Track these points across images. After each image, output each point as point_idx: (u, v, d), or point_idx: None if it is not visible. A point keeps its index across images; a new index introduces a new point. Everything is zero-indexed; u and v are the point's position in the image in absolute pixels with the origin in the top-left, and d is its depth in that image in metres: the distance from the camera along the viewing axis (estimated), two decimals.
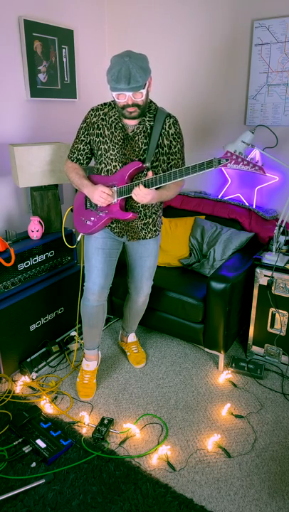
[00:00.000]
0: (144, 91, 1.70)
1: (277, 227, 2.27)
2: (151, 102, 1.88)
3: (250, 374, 2.32)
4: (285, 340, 2.32)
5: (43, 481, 1.68)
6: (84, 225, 2.03)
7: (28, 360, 2.37)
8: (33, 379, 2.31)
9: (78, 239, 2.14)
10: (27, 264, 2.32)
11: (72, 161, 2.02)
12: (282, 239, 2.30)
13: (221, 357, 2.38)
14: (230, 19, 2.54)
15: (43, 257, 2.41)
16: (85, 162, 2.02)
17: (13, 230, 2.53)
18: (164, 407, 2.13)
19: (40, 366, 2.40)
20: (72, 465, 1.77)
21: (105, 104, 1.91)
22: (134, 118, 1.78)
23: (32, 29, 2.44)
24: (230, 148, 2.30)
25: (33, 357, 2.40)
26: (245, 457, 1.83)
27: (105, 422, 1.97)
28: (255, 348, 2.44)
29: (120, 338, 2.60)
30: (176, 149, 1.92)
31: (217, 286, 2.17)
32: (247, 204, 2.71)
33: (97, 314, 2.14)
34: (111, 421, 1.98)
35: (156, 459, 1.82)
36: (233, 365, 2.37)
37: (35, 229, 2.35)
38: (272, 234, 2.46)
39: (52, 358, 2.48)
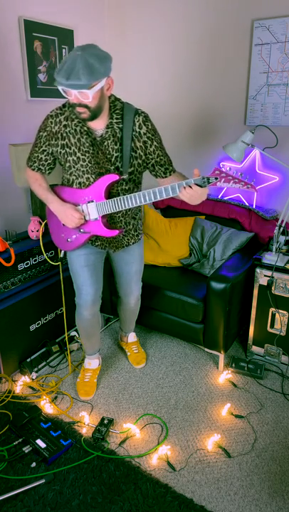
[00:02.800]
0: (89, 92, 1.51)
1: (277, 227, 2.27)
2: (116, 100, 1.72)
3: (250, 374, 2.32)
4: (285, 340, 2.32)
5: (43, 481, 1.68)
6: (65, 243, 1.93)
7: (28, 360, 2.37)
8: (33, 379, 2.31)
9: (61, 255, 2.07)
10: (27, 264, 2.32)
11: (33, 170, 1.85)
12: (282, 239, 2.30)
13: (221, 357, 2.38)
14: (230, 19, 2.54)
15: (43, 257, 2.41)
16: (47, 172, 1.87)
17: (13, 230, 2.53)
18: (164, 407, 2.13)
19: (40, 366, 2.40)
20: (72, 465, 1.77)
21: (64, 106, 1.73)
22: (84, 120, 1.64)
23: (32, 29, 2.44)
24: (229, 150, 2.30)
25: (33, 357, 2.40)
26: (245, 457, 1.83)
27: (105, 422, 1.97)
28: (255, 348, 2.44)
29: (120, 338, 2.60)
30: (154, 147, 1.76)
31: (217, 286, 2.17)
32: (247, 204, 2.71)
33: (92, 325, 2.15)
34: (111, 421, 1.98)
35: (156, 459, 1.82)
36: (233, 365, 2.37)
37: (35, 229, 2.35)
38: (272, 234, 2.46)
39: (52, 358, 2.48)
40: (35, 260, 2.36)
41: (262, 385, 2.28)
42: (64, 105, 1.74)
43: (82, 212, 1.80)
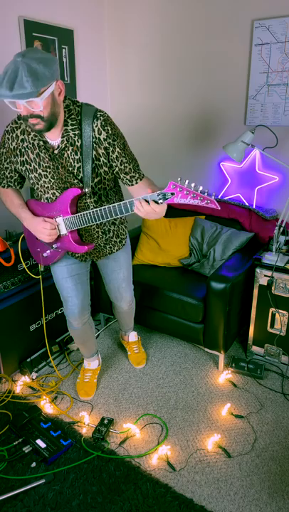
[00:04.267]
0: (38, 100, 1.36)
1: (277, 227, 2.27)
2: (70, 104, 1.56)
3: (250, 374, 2.32)
4: (285, 340, 2.32)
5: (43, 481, 1.68)
6: (42, 257, 1.87)
7: (28, 360, 2.37)
8: (33, 379, 2.31)
9: (42, 269, 2.06)
10: (27, 264, 2.32)
11: (3, 187, 1.76)
12: (282, 239, 2.30)
13: (221, 357, 2.38)
14: (230, 19, 2.54)
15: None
16: (18, 187, 1.78)
17: (13, 230, 2.52)
18: (164, 407, 2.13)
19: (40, 366, 2.40)
20: (72, 465, 1.77)
21: (19, 119, 1.60)
22: (41, 131, 1.49)
23: (32, 29, 2.44)
24: (229, 150, 2.30)
25: (33, 357, 2.40)
26: (245, 457, 1.83)
27: (105, 422, 1.97)
28: (255, 348, 2.44)
29: (121, 337, 2.60)
30: (116, 154, 1.59)
31: (217, 286, 2.17)
32: (247, 204, 2.71)
33: (85, 332, 2.12)
34: (111, 421, 1.98)
35: (156, 459, 1.82)
36: (233, 365, 2.37)
37: None
38: (272, 234, 2.46)
39: (52, 358, 2.48)
40: (35, 260, 2.36)
41: (262, 385, 2.28)
42: (19, 117, 1.60)
43: (54, 222, 1.70)
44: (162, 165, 3.10)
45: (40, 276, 2.25)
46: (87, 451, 1.84)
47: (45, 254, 1.85)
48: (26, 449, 1.82)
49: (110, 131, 1.56)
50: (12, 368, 2.34)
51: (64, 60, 2.70)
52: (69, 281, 1.92)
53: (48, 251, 1.83)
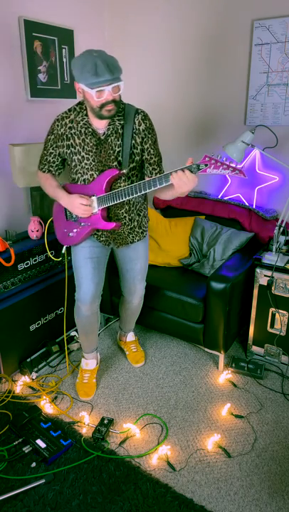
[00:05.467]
0: (122, 84, 1.64)
1: (277, 227, 2.27)
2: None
3: (250, 374, 2.32)
4: (285, 340, 2.32)
5: (43, 481, 1.68)
6: (67, 237, 1.99)
7: (28, 360, 2.37)
8: (33, 379, 2.31)
9: (63, 251, 2.12)
10: (27, 264, 2.32)
11: (44, 172, 1.97)
12: (282, 239, 2.30)
13: (221, 357, 2.38)
14: (230, 19, 2.54)
15: (43, 257, 2.41)
16: (57, 173, 1.98)
17: (13, 230, 2.52)
18: (164, 407, 2.13)
19: (40, 366, 2.40)
20: (72, 465, 1.77)
21: (70, 110, 1.84)
22: (111, 116, 1.71)
23: (32, 29, 2.44)
24: (229, 150, 2.30)
25: (33, 357, 2.40)
26: (245, 457, 1.83)
27: (105, 422, 1.97)
28: (255, 348, 2.44)
29: (119, 338, 2.60)
30: (148, 145, 1.83)
31: (217, 286, 2.17)
32: (247, 204, 2.71)
33: (91, 323, 2.14)
34: (111, 421, 1.98)
35: (156, 459, 1.82)
36: (233, 365, 2.37)
37: (35, 229, 2.35)
38: (272, 234, 2.46)
39: (52, 358, 2.48)
40: (35, 260, 2.36)
41: (262, 385, 2.28)
42: (70, 109, 1.84)
43: (89, 199, 1.84)
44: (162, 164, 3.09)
45: (60, 259, 2.35)
46: (87, 451, 1.84)
47: (71, 234, 1.97)
48: (26, 449, 1.82)
49: (148, 125, 1.82)
50: (12, 368, 2.34)
51: (64, 60, 2.70)
52: (89, 262, 2.00)
53: (76, 229, 1.95)
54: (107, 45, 3.06)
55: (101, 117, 1.71)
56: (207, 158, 1.57)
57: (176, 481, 1.72)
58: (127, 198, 1.76)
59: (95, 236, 1.99)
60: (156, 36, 2.86)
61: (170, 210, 2.94)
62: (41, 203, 2.42)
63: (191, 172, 1.58)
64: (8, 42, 2.36)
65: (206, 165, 1.56)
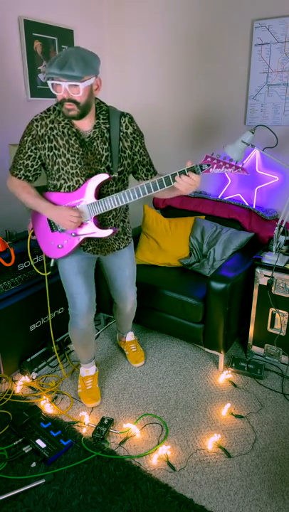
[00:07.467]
0: (81, 85, 1.52)
1: (277, 227, 2.27)
2: (101, 102, 1.75)
3: (250, 374, 2.32)
4: (285, 340, 2.32)
5: (43, 481, 1.68)
6: (55, 250, 1.87)
7: (28, 360, 2.37)
8: (33, 379, 2.31)
9: (52, 264, 1.99)
10: (27, 264, 2.32)
11: (19, 178, 1.79)
12: (282, 239, 2.30)
13: (221, 357, 2.38)
14: (230, 19, 2.54)
15: (43, 257, 2.40)
16: (33, 179, 1.81)
17: (13, 230, 2.52)
18: (164, 407, 2.13)
19: (40, 366, 2.40)
20: (72, 465, 1.77)
21: (48, 110, 1.73)
22: (73, 117, 1.62)
23: (32, 29, 2.44)
24: (229, 150, 2.30)
25: (33, 357, 2.40)
26: (245, 457, 1.83)
27: (105, 422, 1.97)
28: (255, 348, 2.44)
29: (118, 338, 2.60)
30: (138, 147, 1.81)
31: (217, 286, 2.17)
32: (247, 204, 2.71)
33: (89, 334, 2.09)
34: (111, 421, 1.98)
35: (156, 459, 1.82)
36: (233, 365, 2.37)
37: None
38: (272, 234, 2.46)
39: (52, 358, 2.48)
40: (35, 260, 2.36)
41: (262, 385, 2.28)
42: (49, 109, 1.73)
43: (77, 210, 1.75)
44: (162, 164, 3.08)
45: (50, 272, 2.25)
46: (87, 451, 1.84)
47: (60, 245, 1.85)
48: (26, 449, 1.82)
49: (135, 128, 1.79)
50: (12, 368, 2.34)
51: None
52: (79, 277, 1.93)
53: (65, 240, 1.84)
54: (107, 45, 3.06)
55: (65, 115, 1.64)
56: (209, 158, 1.56)
57: (176, 481, 1.72)
58: (126, 201, 1.70)
59: (81, 247, 1.90)
60: (155, 36, 2.86)
61: (170, 210, 2.94)
62: None
63: (195, 173, 1.57)
64: (8, 42, 2.37)
65: (209, 165, 1.55)
